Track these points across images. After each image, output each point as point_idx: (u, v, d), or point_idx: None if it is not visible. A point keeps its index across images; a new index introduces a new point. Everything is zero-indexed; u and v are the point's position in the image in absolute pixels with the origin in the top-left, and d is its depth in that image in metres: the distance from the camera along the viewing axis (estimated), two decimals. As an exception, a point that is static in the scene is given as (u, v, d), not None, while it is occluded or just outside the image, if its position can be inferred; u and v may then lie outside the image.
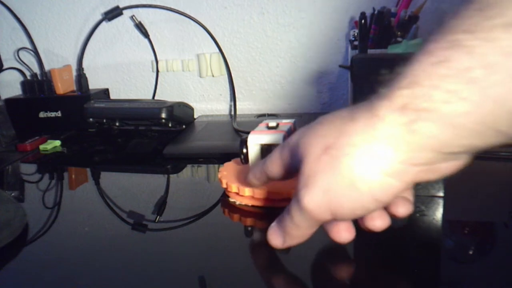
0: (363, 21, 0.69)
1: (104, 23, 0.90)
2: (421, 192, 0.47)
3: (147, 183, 0.60)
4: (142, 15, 0.89)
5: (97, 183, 0.62)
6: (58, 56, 0.94)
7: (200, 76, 0.90)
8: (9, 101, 0.86)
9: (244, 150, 0.48)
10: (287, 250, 0.36)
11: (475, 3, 0.24)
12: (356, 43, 0.75)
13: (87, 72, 0.92)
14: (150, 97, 0.92)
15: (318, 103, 0.88)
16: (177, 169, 0.64)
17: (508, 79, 0.23)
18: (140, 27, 0.88)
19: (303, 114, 0.84)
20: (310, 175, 0.30)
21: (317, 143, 0.30)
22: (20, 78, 0.94)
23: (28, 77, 0.93)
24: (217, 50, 0.87)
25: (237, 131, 0.73)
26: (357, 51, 0.73)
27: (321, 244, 0.40)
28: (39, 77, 0.92)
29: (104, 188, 0.59)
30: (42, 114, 0.86)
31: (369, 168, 0.27)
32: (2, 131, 0.79)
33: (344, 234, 0.33)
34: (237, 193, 0.47)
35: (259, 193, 0.45)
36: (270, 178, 0.39)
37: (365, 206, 0.29)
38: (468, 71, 0.24)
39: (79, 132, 0.84)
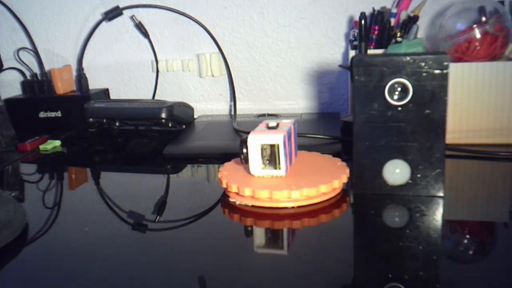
0: (363, 21, 0.69)
1: (104, 23, 0.90)
2: (421, 192, 0.47)
3: (147, 183, 0.60)
4: (142, 15, 0.89)
5: (97, 183, 0.62)
6: (58, 56, 0.94)
7: (200, 76, 0.90)
8: (9, 101, 0.86)
9: (244, 150, 0.48)
10: (288, 250, 0.36)
11: None
12: (356, 43, 0.75)
13: (87, 72, 0.92)
14: (150, 97, 0.92)
15: (318, 103, 0.88)
16: (177, 169, 0.64)
17: None
18: (140, 27, 0.88)
19: (303, 114, 0.84)
20: None
21: None
22: (20, 78, 0.94)
23: (28, 77, 0.93)
24: (217, 50, 0.87)
25: (237, 131, 0.73)
26: (357, 51, 0.73)
27: (321, 244, 0.41)
28: (39, 77, 0.92)
29: (104, 188, 0.59)
30: (42, 114, 0.86)
31: None
32: (2, 131, 0.79)
33: None
34: (237, 193, 0.47)
35: (259, 193, 0.45)
36: None
37: None
38: None
39: (79, 132, 0.84)
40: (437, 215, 0.43)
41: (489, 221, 0.44)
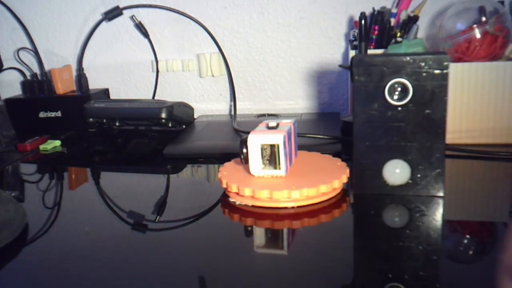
0: (363, 21, 0.69)
1: (104, 23, 0.90)
2: (421, 192, 0.47)
3: (147, 183, 0.60)
4: (142, 15, 0.89)
5: (97, 183, 0.62)
6: (58, 56, 0.94)
7: (200, 76, 0.90)
8: (9, 101, 0.86)
9: (244, 150, 0.48)
10: (288, 250, 0.36)
11: None
12: (356, 43, 0.75)
13: (87, 72, 0.92)
14: (150, 97, 0.92)
15: (318, 103, 0.88)
16: (177, 169, 0.64)
17: None
18: (140, 27, 0.88)
19: (303, 114, 0.84)
20: None
21: None
22: (20, 78, 0.94)
23: (28, 77, 0.93)
24: (217, 50, 0.87)
25: (237, 131, 0.73)
26: (357, 51, 0.73)
27: (321, 244, 0.41)
28: (39, 77, 0.92)
29: (104, 188, 0.59)
30: (42, 114, 0.86)
31: None
32: (2, 131, 0.79)
33: None
34: (237, 193, 0.47)
35: (259, 193, 0.45)
36: None
37: None
38: None
39: (79, 132, 0.84)
40: (437, 215, 0.43)
41: (489, 221, 0.44)
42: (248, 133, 0.48)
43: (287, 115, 0.83)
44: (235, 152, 0.50)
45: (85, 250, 0.41)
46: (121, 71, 0.93)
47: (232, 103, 0.89)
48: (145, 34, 0.89)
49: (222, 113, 0.92)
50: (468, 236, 0.41)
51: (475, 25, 0.63)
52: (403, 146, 0.46)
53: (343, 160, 0.53)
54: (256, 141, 0.47)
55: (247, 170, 0.49)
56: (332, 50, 0.84)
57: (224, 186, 0.48)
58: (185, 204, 0.52)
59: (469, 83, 0.61)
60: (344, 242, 0.41)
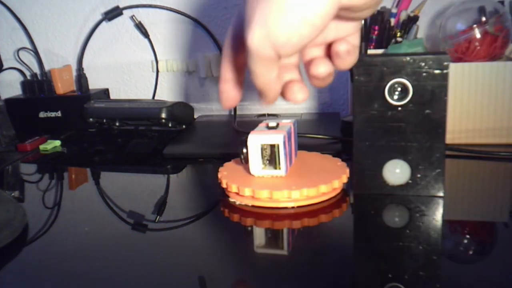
0: (363, 21, 0.69)
1: (104, 23, 0.90)
2: (421, 192, 0.47)
3: (147, 183, 0.60)
4: (142, 15, 0.89)
5: (97, 183, 0.62)
6: (58, 56, 0.94)
7: (200, 76, 0.90)
8: (9, 101, 0.86)
9: (244, 150, 0.48)
10: (288, 250, 0.36)
11: None
12: (356, 43, 0.75)
13: (87, 72, 0.92)
14: (150, 97, 0.92)
15: (318, 103, 0.88)
16: (177, 169, 0.64)
17: None
18: (140, 27, 0.88)
19: (303, 114, 0.84)
20: (249, 14, 0.31)
21: None
22: (20, 78, 0.94)
23: (28, 77, 0.93)
24: (217, 50, 0.87)
25: (237, 131, 0.73)
26: (357, 51, 0.73)
27: (321, 244, 0.41)
28: (39, 77, 0.92)
29: (104, 188, 0.59)
30: (42, 114, 0.86)
31: None
32: (2, 131, 0.79)
33: (298, 94, 0.36)
34: (237, 193, 0.47)
35: (259, 193, 0.45)
36: (233, 60, 0.40)
37: (300, 32, 0.30)
38: None
39: (79, 132, 0.84)
40: (437, 215, 0.43)
41: (489, 221, 0.44)
42: (248, 133, 0.48)
43: (287, 115, 0.83)
44: (235, 152, 0.50)
45: (85, 250, 0.41)
46: (121, 71, 0.93)
47: (232, 103, 0.89)
48: (145, 34, 0.89)
49: (222, 113, 0.91)
50: (468, 236, 0.41)
51: (475, 25, 0.63)
52: (403, 146, 0.46)
53: (343, 160, 0.53)
54: (256, 141, 0.47)
55: (247, 170, 0.49)
56: (332, 50, 0.84)
57: (224, 186, 0.48)
58: (185, 204, 0.52)
59: (469, 83, 0.61)
60: (344, 242, 0.41)
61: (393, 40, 0.73)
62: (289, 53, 0.32)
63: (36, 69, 0.93)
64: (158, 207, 0.50)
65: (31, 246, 0.43)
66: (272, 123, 0.50)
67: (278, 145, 0.46)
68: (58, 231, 0.46)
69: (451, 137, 0.62)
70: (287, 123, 0.51)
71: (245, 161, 0.48)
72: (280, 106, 0.89)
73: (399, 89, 0.45)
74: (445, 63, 0.44)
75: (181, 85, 0.92)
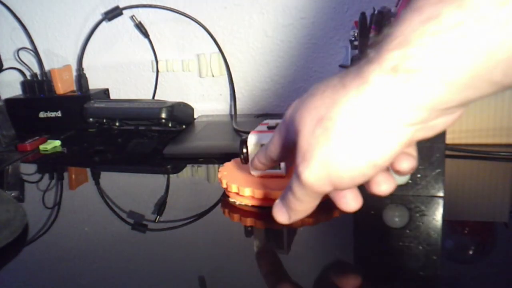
0: (363, 21, 0.69)
1: (104, 23, 0.90)
2: (421, 192, 0.47)
3: (147, 183, 0.60)
4: (142, 15, 0.89)
5: (97, 183, 0.62)
6: (58, 56, 0.94)
7: (200, 76, 0.90)
8: (9, 101, 0.86)
9: (244, 150, 0.48)
10: (288, 250, 0.36)
11: None
12: (356, 43, 0.75)
13: (87, 72, 0.92)
14: (150, 97, 0.92)
15: (318, 103, 0.87)
16: (177, 169, 0.64)
17: (499, 28, 0.22)
18: (140, 27, 0.88)
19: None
20: (306, 149, 0.30)
21: (310, 116, 0.30)
22: (20, 78, 0.94)
23: (28, 77, 0.93)
24: (217, 50, 0.87)
25: (237, 131, 0.73)
26: (357, 51, 0.73)
27: (321, 244, 0.41)
28: (39, 77, 0.92)
29: (104, 188, 0.59)
30: (42, 114, 0.86)
31: (363, 135, 0.27)
32: (2, 131, 0.79)
33: (351, 203, 0.33)
34: (237, 193, 0.47)
35: (259, 193, 0.45)
36: (274, 160, 0.39)
37: (364, 173, 0.28)
38: (459, 25, 0.23)
39: (79, 132, 0.84)
40: (437, 215, 0.43)
41: (489, 221, 0.44)
42: (248, 133, 0.48)
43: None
44: (235, 152, 0.50)
45: (85, 250, 0.41)
46: (121, 71, 0.93)
47: (232, 103, 0.89)
48: (145, 34, 0.89)
49: (222, 113, 0.91)
50: (468, 236, 0.41)
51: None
52: (403, 146, 0.46)
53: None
54: (256, 141, 0.47)
55: (247, 170, 0.49)
56: (332, 50, 0.84)
57: (224, 186, 0.48)
58: (185, 204, 0.52)
59: (469, 83, 0.61)
60: (344, 242, 0.41)
61: (393, 40, 0.73)
62: (350, 188, 0.31)
63: (36, 69, 0.93)
64: (158, 207, 0.50)
65: (31, 246, 0.43)
66: (272, 123, 0.50)
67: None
68: (58, 231, 0.46)
69: (451, 137, 0.62)
70: (287, 123, 0.51)
71: (245, 161, 0.48)
72: (280, 106, 0.89)
73: (399, 89, 0.45)
74: (445, 63, 0.43)
75: (181, 85, 0.92)
